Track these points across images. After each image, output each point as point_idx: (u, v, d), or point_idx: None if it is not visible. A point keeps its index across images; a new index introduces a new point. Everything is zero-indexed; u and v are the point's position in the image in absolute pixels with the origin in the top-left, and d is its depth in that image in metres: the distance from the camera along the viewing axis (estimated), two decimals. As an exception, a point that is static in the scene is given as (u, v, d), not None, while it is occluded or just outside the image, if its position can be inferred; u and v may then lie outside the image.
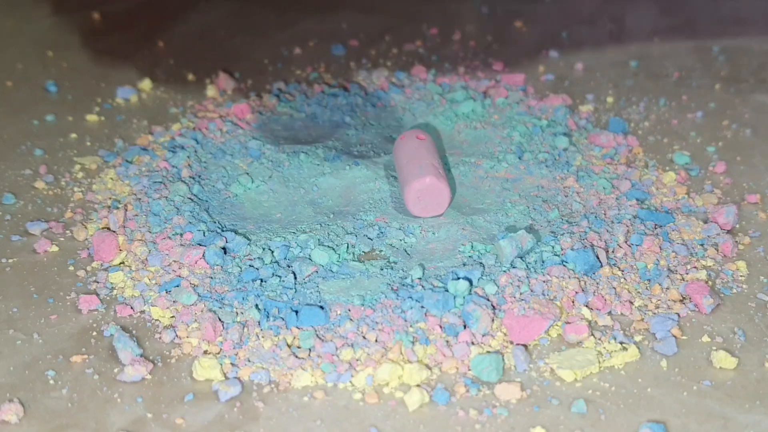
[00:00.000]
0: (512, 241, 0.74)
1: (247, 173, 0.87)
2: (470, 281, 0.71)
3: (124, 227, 0.80)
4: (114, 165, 0.90)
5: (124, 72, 1.10)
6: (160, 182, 0.85)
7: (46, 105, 1.03)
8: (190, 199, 0.83)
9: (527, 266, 0.73)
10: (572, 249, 0.74)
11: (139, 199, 0.83)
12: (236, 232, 0.79)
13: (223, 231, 0.79)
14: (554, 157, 0.89)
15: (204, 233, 0.78)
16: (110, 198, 0.85)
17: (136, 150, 0.92)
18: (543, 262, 0.74)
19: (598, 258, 0.74)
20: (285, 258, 0.76)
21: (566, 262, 0.73)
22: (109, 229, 0.80)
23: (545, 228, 0.79)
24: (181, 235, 0.78)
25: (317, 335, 0.68)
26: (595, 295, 0.71)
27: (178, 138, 0.93)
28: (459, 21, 1.23)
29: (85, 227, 0.81)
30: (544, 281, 0.72)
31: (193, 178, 0.86)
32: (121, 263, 0.77)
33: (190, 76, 1.09)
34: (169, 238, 0.78)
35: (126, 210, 0.81)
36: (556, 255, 0.74)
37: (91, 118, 1.00)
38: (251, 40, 1.18)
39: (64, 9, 1.27)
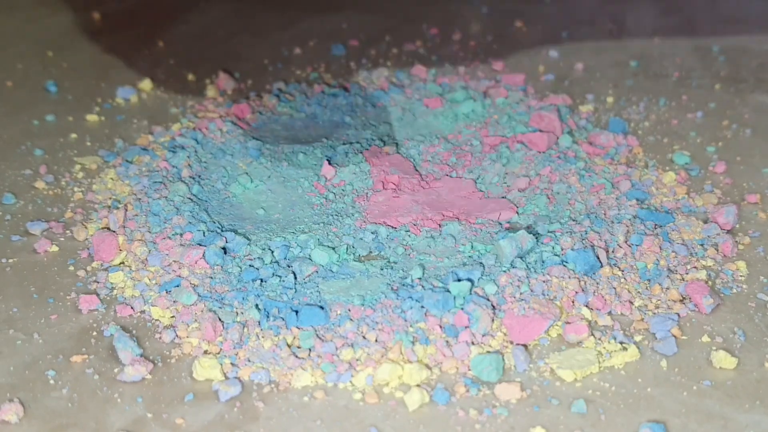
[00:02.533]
0: (512, 241, 0.73)
1: (247, 173, 0.87)
2: (472, 282, 0.71)
3: (124, 227, 0.80)
4: (114, 165, 0.90)
5: (124, 72, 1.10)
6: (160, 182, 0.85)
7: (46, 105, 1.03)
8: (189, 199, 0.82)
9: (527, 266, 0.73)
10: (573, 249, 0.74)
11: (139, 199, 0.83)
12: (236, 232, 0.78)
13: (222, 231, 0.79)
14: (559, 155, 0.89)
15: (204, 233, 0.78)
16: (110, 198, 0.85)
17: (136, 150, 0.92)
18: (543, 262, 0.74)
19: (598, 258, 0.74)
20: (285, 258, 0.76)
21: (566, 262, 0.73)
22: (109, 229, 0.80)
23: (557, 224, 0.78)
24: (181, 235, 0.78)
25: (317, 335, 0.68)
26: (595, 295, 0.71)
27: (178, 138, 0.93)
28: (459, 21, 1.23)
29: (85, 227, 0.81)
30: (544, 281, 0.71)
31: (193, 178, 0.86)
32: (120, 263, 0.77)
33: (190, 76, 1.09)
34: (169, 238, 0.78)
35: (126, 210, 0.81)
36: (556, 255, 0.74)
37: (91, 118, 1.00)
38: (251, 40, 1.19)
39: (64, 9, 1.27)
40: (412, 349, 0.66)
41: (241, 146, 0.91)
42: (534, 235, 0.76)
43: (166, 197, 0.83)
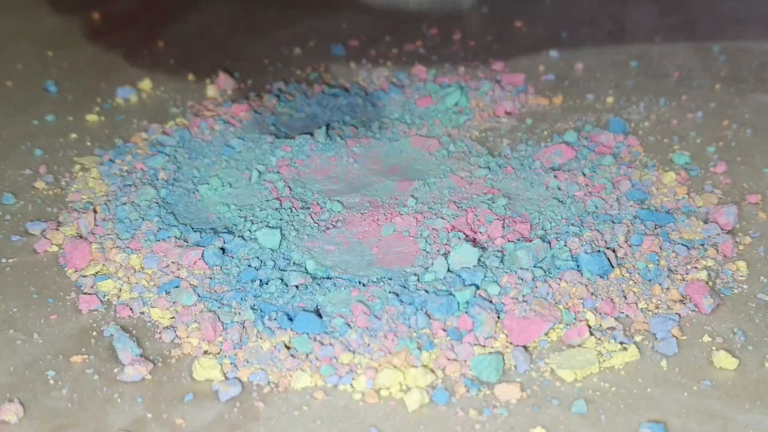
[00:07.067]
0: (529, 251, 0.73)
1: (218, 176, 0.86)
2: (476, 286, 0.71)
3: (93, 233, 0.79)
4: (102, 163, 0.90)
5: (124, 72, 1.10)
6: (131, 185, 0.84)
7: (46, 105, 1.03)
8: (156, 203, 0.82)
9: (543, 270, 0.72)
10: (585, 253, 0.73)
11: (109, 201, 0.82)
12: (233, 234, 0.78)
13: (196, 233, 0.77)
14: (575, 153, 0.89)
15: (201, 236, 0.77)
16: (86, 199, 0.84)
17: (123, 148, 0.92)
18: (557, 268, 0.73)
19: (610, 262, 0.73)
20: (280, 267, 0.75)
21: (579, 266, 0.73)
22: (80, 235, 0.79)
23: (563, 225, 0.78)
24: (156, 240, 0.76)
25: (315, 340, 0.67)
26: (603, 299, 0.71)
27: (161, 137, 0.92)
28: (459, 21, 1.23)
29: (59, 231, 0.80)
30: (548, 284, 0.71)
31: (167, 181, 0.85)
32: (95, 273, 0.75)
33: (190, 76, 1.09)
34: (165, 241, 0.76)
35: (95, 213, 0.81)
36: (568, 259, 0.73)
37: (91, 118, 1.00)
38: (251, 40, 1.19)
39: (64, 9, 1.27)
40: (417, 356, 0.66)
41: (222, 146, 0.90)
42: (548, 243, 0.75)
43: (133, 202, 0.82)
